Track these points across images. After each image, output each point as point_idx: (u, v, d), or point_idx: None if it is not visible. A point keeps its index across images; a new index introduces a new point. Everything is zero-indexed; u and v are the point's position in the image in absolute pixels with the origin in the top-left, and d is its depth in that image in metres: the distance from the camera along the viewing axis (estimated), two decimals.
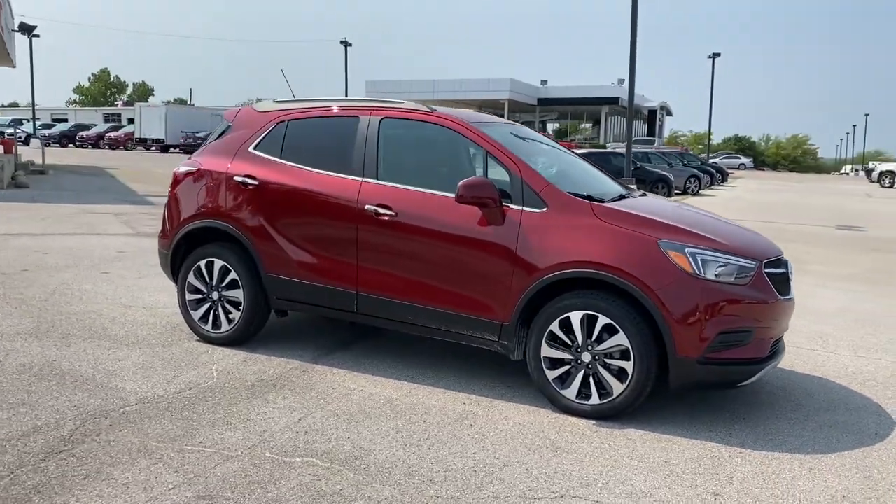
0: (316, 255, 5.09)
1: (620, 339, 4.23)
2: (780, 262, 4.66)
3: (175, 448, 3.71)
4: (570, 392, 4.38)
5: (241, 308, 5.35)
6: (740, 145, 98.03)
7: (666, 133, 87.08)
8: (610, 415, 4.32)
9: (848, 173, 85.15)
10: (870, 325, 7.12)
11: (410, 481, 3.48)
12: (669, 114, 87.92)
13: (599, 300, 4.28)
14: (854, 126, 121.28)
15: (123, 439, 3.77)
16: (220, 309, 5.44)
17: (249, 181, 5.31)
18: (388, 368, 5.12)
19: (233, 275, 5.34)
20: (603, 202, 4.64)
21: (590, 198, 4.63)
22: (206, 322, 5.50)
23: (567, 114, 78.16)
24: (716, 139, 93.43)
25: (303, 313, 5.92)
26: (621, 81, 77.08)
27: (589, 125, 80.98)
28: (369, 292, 4.92)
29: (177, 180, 5.70)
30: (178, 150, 46.14)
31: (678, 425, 4.32)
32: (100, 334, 5.59)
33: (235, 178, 5.37)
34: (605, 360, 4.29)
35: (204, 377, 4.77)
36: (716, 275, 4.21)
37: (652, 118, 79.63)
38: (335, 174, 5.08)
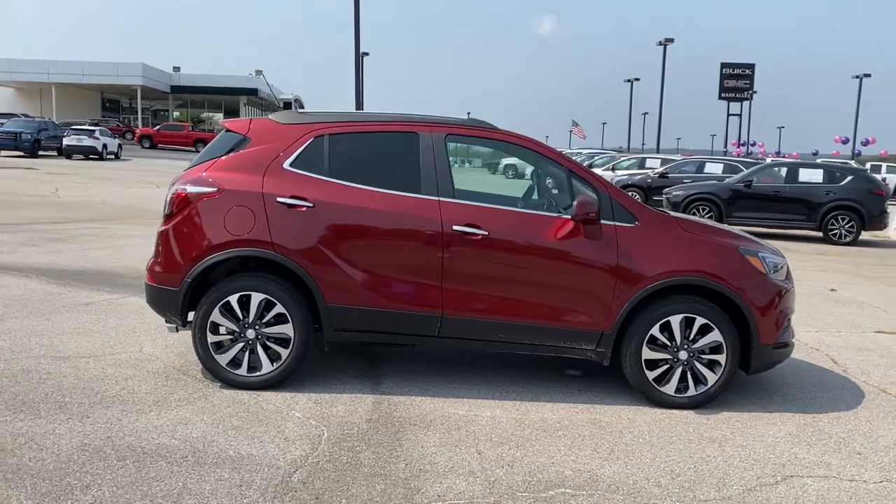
0: (391, 280, 4.77)
1: (715, 336, 4.82)
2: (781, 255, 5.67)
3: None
4: (669, 388, 4.86)
5: (291, 345, 4.76)
6: None
7: None
8: (703, 403, 4.89)
9: None
10: None
11: (671, 491, 3.68)
12: (301, 106, 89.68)
13: (696, 303, 4.82)
14: None
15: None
16: (258, 349, 4.77)
17: (300, 202, 4.73)
18: (459, 388, 5.03)
19: (279, 308, 4.72)
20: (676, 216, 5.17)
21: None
22: (237, 366, 4.76)
23: (203, 103, 75.32)
24: None
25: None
26: (259, 72, 76.50)
27: (221, 115, 78.98)
28: (457, 314, 4.79)
29: (186, 202, 4.78)
30: None
31: (743, 404, 5.06)
32: (105, 398, 4.49)
33: (279, 199, 4.73)
34: (700, 355, 4.85)
35: (312, 430, 4.22)
36: (774, 272, 5.03)
37: (287, 109, 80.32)
38: (407, 194, 4.81)
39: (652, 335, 4.82)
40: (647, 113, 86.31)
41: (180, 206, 4.78)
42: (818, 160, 35.93)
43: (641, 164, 26.45)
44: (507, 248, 4.79)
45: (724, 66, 64.51)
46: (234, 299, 4.71)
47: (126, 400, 4.48)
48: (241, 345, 4.76)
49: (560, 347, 4.90)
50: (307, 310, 4.77)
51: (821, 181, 16.85)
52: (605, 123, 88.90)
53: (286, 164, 4.83)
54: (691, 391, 4.87)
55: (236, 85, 68.60)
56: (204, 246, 4.71)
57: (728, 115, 64.35)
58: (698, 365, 4.86)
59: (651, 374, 4.85)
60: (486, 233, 4.74)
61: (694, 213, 16.63)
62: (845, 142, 50.71)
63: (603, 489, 3.66)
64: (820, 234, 16.62)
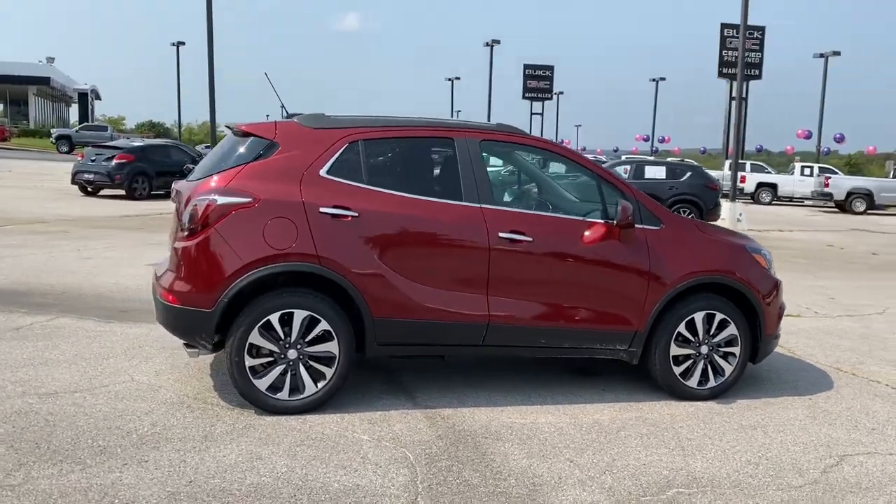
0: (438, 290, 4.62)
1: (731, 330, 5.15)
2: None
3: None
4: (693, 381, 5.12)
5: (336, 363, 4.48)
6: (155, 131, 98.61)
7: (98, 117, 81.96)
8: (721, 393, 5.20)
9: None
10: None
11: (764, 481, 3.90)
12: (98, 97, 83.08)
13: (715, 300, 5.12)
14: None
15: None
16: (300, 369, 4.44)
17: (344, 212, 4.45)
18: (493, 396, 4.98)
19: (323, 325, 4.42)
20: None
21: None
22: (276, 390, 4.41)
23: None
24: (130, 124, 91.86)
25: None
26: (51, 60, 69.90)
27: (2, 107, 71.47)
28: (502, 322, 4.74)
29: (217, 214, 4.32)
30: None
31: (746, 392, 5.44)
32: (145, 438, 3.97)
33: (322, 209, 4.42)
34: (718, 349, 5.16)
35: (394, 453, 4.01)
36: (771, 268, 5.45)
37: (84, 101, 74.20)
38: (450, 201, 4.68)
39: (679, 332, 5.05)
40: (460, 111, 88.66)
41: (210, 219, 4.32)
42: (623, 157, 38.90)
43: None
44: (550, 254, 4.81)
45: (526, 67, 67.80)
46: (275, 318, 4.35)
47: (170, 437, 4.00)
48: (281, 367, 4.41)
49: (595, 349, 5.01)
50: (354, 324, 4.51)
51: (664, 177, 18.32)
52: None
53: (323, 172, 4.53)
54: (711, 383, 5.16)
55: (24, 73, 62.31)
56: (242, 262, 4.30)
57: (531, 113, 67.75)
58: (717, 358, 5.16)
59: (678, 370, 5.09)
60: (531, 239, 4.74)
61: None
62: (646, 139, 55.45)
63: (709, 486, 3.81)
64: None
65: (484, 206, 4.72)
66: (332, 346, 4.46)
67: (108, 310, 6.81)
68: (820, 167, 34.55)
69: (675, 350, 5.07)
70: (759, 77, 38.01)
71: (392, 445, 4.09)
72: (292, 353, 4.42)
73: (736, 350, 5.19)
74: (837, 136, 45.94)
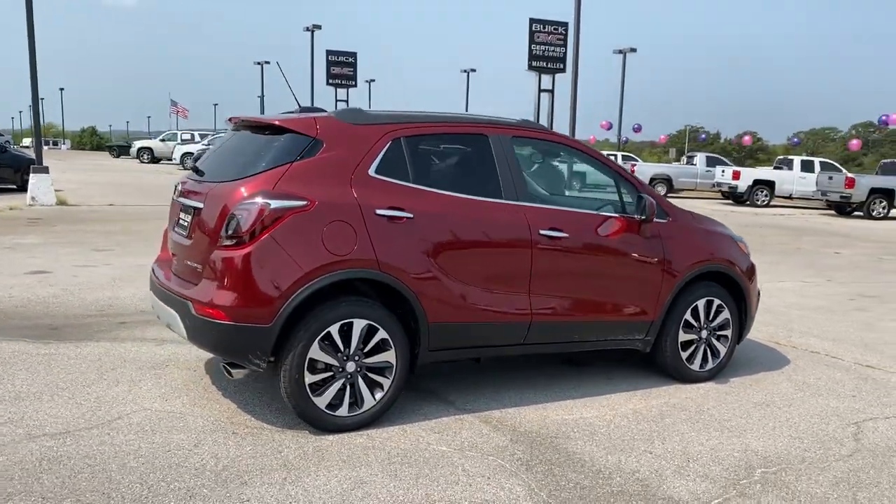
0: (488, 291, 4.52)
1: (726, 314, 5.51)
2: None
3: None
4: (696, 365, 5.42)
5: (394, 373, 4.26)
6: None
7: None
8: (716, 373, 5.54)
9: None
10: None
11: (819, 454, 4.23)
12: None
13: (714, 287, 5.44)
14: None
15: None
16: (359, 382, 4.17)
17: (399, 214, 4.21)
18: (524, 394, 4.97)
19: (381, 334, 4.17)
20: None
21: None
22: (335, 407, 4.11)
23: None
24: None
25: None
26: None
27: None
28: (543, 319, 4.74)
29: (272, 220, 3.90)
30: None
31: (724, 372, 5.85)
32: (217, 473, 3.53)
33: (378, 211, 4.15)
34: (715, 332, 5.49)
35: (492, 462, 3.88)
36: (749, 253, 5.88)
37: None
38: (494, 199, 4.58)
39: (686, 320, 5.33)
40: (261, 96, 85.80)
41: (263, 225, 3.91)
42: None
43: None
44: (583, 249, 4.87)
45: (329, 53, 66.98)
46: (335, 329, 4.05)
47: (248, 470, 3.60)
48: (340, 381, 4.12)
49: (617, 340, 5.15)
50: (411, 331, 4.31)
51: None
52: (216, 104, 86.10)
53: (371, 171, 4.26)
54: (710, 365, 5.49)
55: None
56: (303, 270, 3.94)
57: (336, 100, 66.82)
58: (714, 341, 5.50)
59: (684, 355, 5.36)
60: (567, 235, 4.77)
61: None
62: None
63: (783, 463, 4.06)
64: None
65: (524, 203, 4.69)
66: (390, 356, 4.23)
67: (30, 329, 5.95)
68: (623, 156, 37.38)
69: (682, 336, 5.33)
70: (563, 70, 40.42)
71: (478, 455, 3.96)
72: (351, 366, 4.13)
73: (728, 333, 5.56)
74: (636, 126, 50.02)
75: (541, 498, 3.50)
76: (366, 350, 4.16)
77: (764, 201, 28.17)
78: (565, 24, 41.15)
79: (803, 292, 9.42)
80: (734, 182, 28.37)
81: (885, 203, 23.96)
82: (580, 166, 5.50)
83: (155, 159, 45.42)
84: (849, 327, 7.47)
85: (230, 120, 4.83)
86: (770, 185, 28.30)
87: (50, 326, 6.03)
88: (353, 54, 75.19)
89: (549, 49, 42.23)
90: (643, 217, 4.96)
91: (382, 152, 4.31)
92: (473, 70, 55.53)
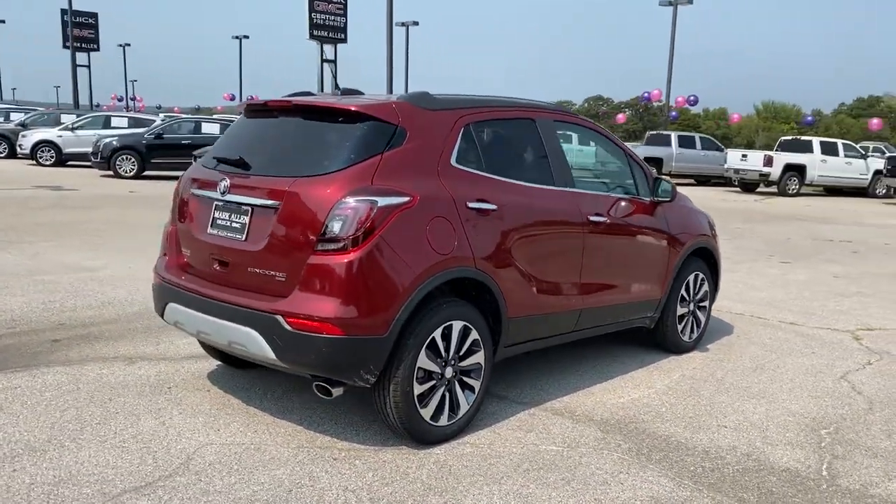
0: (551, 280, 4.42)
1: (706, 287, 5.87)
2: None
3: None
4: (686, 336, 5.73)
5: (483, 374, 4.03)
6: None
7: None
8: (698, 342, 5.88)
9: None
10: None
11: (855, 408, 4.69)
12: None
13: (699, 262, 5.76)
14: None
15: None
16: (456, 388, 3.90)
17: (486, 206, 3.95)
18: (578, 379, 4.95)
19: (473, 334, 3.93)
20: None
21: None
22: (438, 416, 3.82)
23: None
24: None
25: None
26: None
27: None
28: (591, 305, 4.74)
29: (381, 218, 3.46)
30: None
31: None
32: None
33: (469, 204, 3.86)
34: (699, 304, 5.84)
35: (621, 457, 3.83)
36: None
37: None
38: (553, 187, 4.46)
39: (682, 295, 5.60)
40: None
41: (372, 226, 3.47)
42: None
43: (107, 123, 24.14)
44: (618, 233, 4.93)
45: (63, 12, 60.42)
46: (438, 334, 3.74)
47: (392, 500, 3.24)
48: (441, 389, 3.82)
49: (636, 319, 5.29)
50: (493, 328, 4.09)
51: None
52: None
53: (453, 161, 3.95)
54: (694, 334, 5.83)
55: None
56: (415, 273, 3.57)
57: (75, 66, 60.35)
58: (697, 312, 5.85)
59: (679, 328, 5.64)
60: (607, 220, 4.79)
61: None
62: (232, 98, 54.13)
63: (833, 422, 4.44)
64: None
65: (573, 189, 4.63)
66: (480, 357, 4.00)
67: None
68: None
69: (679, 311, 5.60)
70: (344, 41, 40.09)
71: (590, 450, 3.88)
72: (449, 372, 3.85)
73: (707, 303, 5.94)
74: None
75: (689, 486, 3.53)
76: (461, 353, 3.90)
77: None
78: None
79: None
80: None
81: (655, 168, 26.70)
82: (597, 149, 5.51)
83: None
84: (739, 288, 8.30)
85: (249, 103, 4.23)
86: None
87: None
88: (94, 15, 68.76)
89: (329, 18, 41.62)
90: (668, 199, 5.12)
91: (458, 140, 4.02)
92: (247, 37, 53.02)
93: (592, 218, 4.66)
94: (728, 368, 5.39)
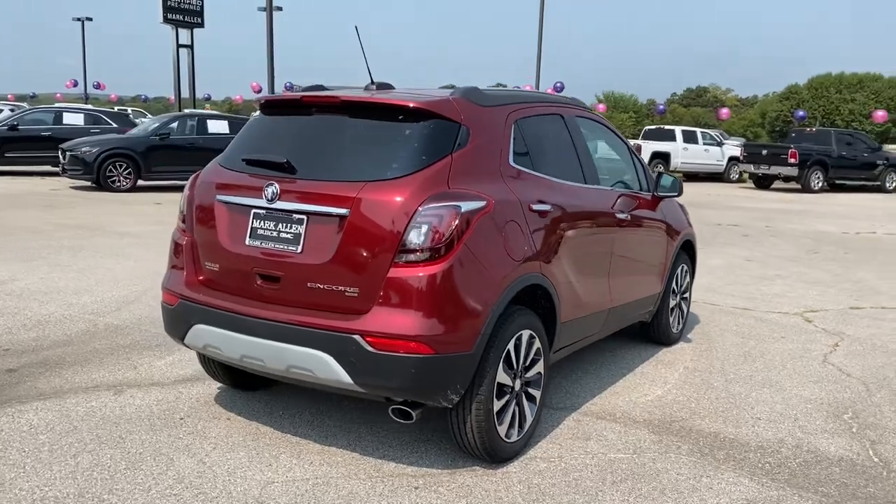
0: (590, 282, 4.29)
1: (688, 278, 5.98)
2: None
3: None
4: (674, 328, 5.79)
5: (541, 384, 3.85)
6: None
7: None
8: (682, 333, 5.99)
9: None
10: None
11: (873, 384, 4.90)
12: None
13: (684, 255, 5.83)
14: None
15: None
16: (523, 400, 3.70)
17: (545, 207, 3.76)
18: (596, 381, 4.86)
19: (537, 343, 3.74)
20: None
21: None
22: (511, 431, 3.60)
23: None
24: None
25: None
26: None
27: None
28: (616, 304, 4.67)
29: (465, 226, 3.17)
30: None
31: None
32: None
33: (533, 206, 3.65)
34: (683, 296, 5.92)
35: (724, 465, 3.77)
36: None
37: None
38: (584, 185, 4.33)
39: (673, 288, 5.66)
40: None
41: (458, 233, 3.19)
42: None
43: None
44: (636, 229, 4.88)
45: None
46: (512, 345, 3.52)
47: None
48: (513, 403, 3.61)
49: (641, 315, 5.27)
50: (550, 334, 3.92)
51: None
52: None
53: (511, 161, 3.72)
54: (680, 325, 5.91)
55: None
56: (496, 282, 3.33)
57: None
58: (682, 304, 5.93)
59: (671, 321, 5.70)
60: (629, 217, 4.73)
61: (111, 171, 15.59)
62: (75, 85, 49.96)
63: (849, 405, 4.61)
64: None
65: (602, 187, 4.54)
66: (541, 365, 3.81)
67: None
68: None
69: (671, 303, 5.66)
70: (201, 25, 38.17)
71: (657, 455, 3.79)
72: (517, 384, 3.64)
73: (688, 294, 6.04)
74: (287, 84, 49.14)
75: (770, 484, 3.53)
76: (527, 364, 3.70)
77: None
78: None
79: None
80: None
81: None
82: (603, 144, 5.41)
83: None
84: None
85: (269, 98, 3.82)
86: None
87: None
88: None
89: (184, 2, 39.45)
90: (676, 193, 5.13)
91: (512, 138, 3.79)
92: (90, 19, 48.97)
93: (619, 216, 4.58)
94: (720, 358, 5.50)
